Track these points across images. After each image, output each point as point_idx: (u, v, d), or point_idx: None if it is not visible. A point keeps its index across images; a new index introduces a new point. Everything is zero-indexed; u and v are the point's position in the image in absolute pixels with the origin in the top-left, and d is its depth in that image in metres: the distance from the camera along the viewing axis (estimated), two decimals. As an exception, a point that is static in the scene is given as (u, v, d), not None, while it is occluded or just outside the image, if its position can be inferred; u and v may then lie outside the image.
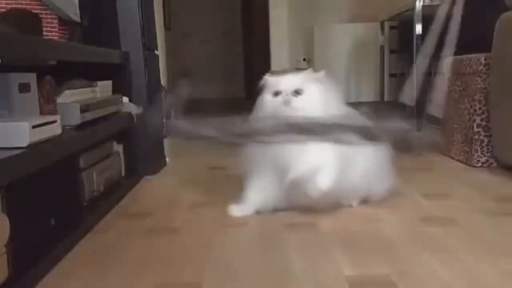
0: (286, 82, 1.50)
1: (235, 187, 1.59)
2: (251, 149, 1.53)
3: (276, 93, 1.49)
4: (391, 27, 4.23)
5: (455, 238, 1.31)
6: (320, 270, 1.14)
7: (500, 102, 2.01)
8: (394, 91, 4.42)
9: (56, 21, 1.69)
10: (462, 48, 2.42)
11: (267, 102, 1.50)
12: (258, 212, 1.55)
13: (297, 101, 1.46)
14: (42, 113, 1.34)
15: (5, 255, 1.02)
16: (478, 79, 2.10)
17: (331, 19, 4.52)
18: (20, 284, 1.04)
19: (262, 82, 1.55)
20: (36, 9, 1.64)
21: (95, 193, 1.66)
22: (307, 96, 1.48)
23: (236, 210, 1.56)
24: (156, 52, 2.36)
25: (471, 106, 2.14)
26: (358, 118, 1.57)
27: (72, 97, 1.55)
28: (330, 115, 1.45)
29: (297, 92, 1.47)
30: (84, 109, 1.52)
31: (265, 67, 4.44)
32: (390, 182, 1.62)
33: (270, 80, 1.54)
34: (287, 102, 1.46)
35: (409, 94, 1.25)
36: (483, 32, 2.11)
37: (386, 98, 4.39)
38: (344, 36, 4.39)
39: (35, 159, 1.16)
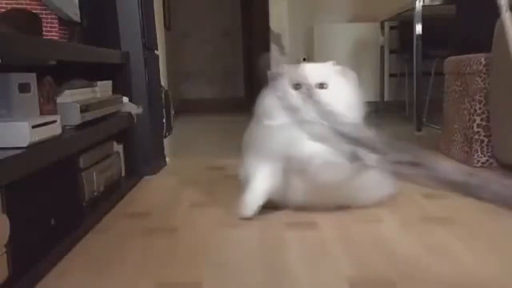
0: (309, 74, 1.40)
1: (234, 187, 1.59)
2: (258, 138, 1.46)
3: (297, 86, 1.39)
4: (391, 27, 4.24)
5: (455, 238, 1.31)
6: (320, 270, 1.14)
7: (500, 102, 2.01)
8: (394, 91, 4.42)
9: (56, 21, 1.70)
10: (462, 48, 2.42)
11: (288, 94, 1.39)
12: (258, 212, 1.55)
13: (322, 96, 1.37)
14: (42, 113, 1.34)
15: (5, 255, 1.02)
16: (478, 79, 2.10)
17: (331, 19, 4.52)
18: (20, 284, 1.04)
19: (279, 70, 1.44)
20: (36, 9, 1.64)
21: (95, 193, 1.66)
22: (332, 91, 1.39)
23: (247, 210, 1.46)
24: (156, 52, 2.36)
25: (471, 106, 2.14)
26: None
27: (72, 97, 1.55)
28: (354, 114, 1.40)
29: (321, 86, 1.38)
30: (84, 109, 1.52)
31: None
32: (389, 189, 1.61)
33: (290, 70, 1.43)
34: (311, 96, 1.37)
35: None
36: (483, 32, 2.11)
37: (386, 98, 4.40)
38: (344, 36, 4.39)
39: (35, 159, 1.16)
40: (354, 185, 1.46)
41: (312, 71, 1.41)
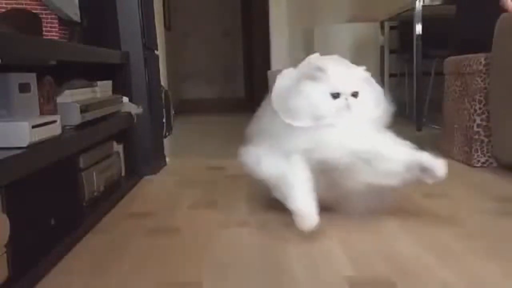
0: (347, 83, 1.33)
1: (235, 187, 1.59)
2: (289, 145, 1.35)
3: (336, 95, 1.31)
4: (391, 27, 4.24)
5: (455, 238, 1.31)
6: (320, 270, 1.14)
7: (500, 102, 2.01)
8: (394, 91, 4.42)
9: (56, 21, 1.70)
10: (462, 48, 2.42)
11: (326, 104, 1.31)
12: (258, 212, 1.55)
13: (356, 105, 1.31)
14: (42, 113, 1.34)
15: (5, 255, 1.02)
16: (478, 79, 2.10)
17: (331, 19, 4.52)
18: (20, 284, 1.04)
19: (316, 69, 1.34)
20: (36, 9, 1.64)
21: (95, 193, 1.66)
22: (362, 99, 1.33)
23: (309, 221, 1.28)
24: (156, 52, 2.36)
25: (471, 106, 2.14)
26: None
27: (72, 97, 1.55)
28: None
29: (354, 95, 1.32)
30: (84, 109, 1.52)
31: (265, 67, 4.43)
32: (391, 198, 1.58)
33: (330, 76, 1.33)
34: (348, 107, 1.31)
35: None
36: (483, 32, 2.11)
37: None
38: (344, 36, 4.39)
39: (35, 159, 1.16)
40: (371, 192, 1.39)
41: (349, 79, 1.34)
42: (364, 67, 1.41)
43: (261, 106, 1.55)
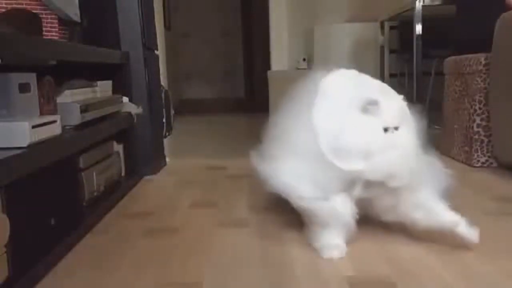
0: (395, 116, 1.25)
1: (235, 187, 1.59)
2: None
3: (385, 129, 1.23)
4: (391, 27, 4.24)
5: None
6: (320, 270, 1.14)
7: (500, 102, 2.01)
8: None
9: (56, 21, 1.69)
10: (462, 48, 2.42)
11: (379, 139, 1.22)
12: (258, 212, 1.55)
13: (400, 139, 1.24)
14: (42, 113, 1.34)
15: (5, 255, 1.02)
16: (478, 79, 2.11)
17: (331, 19, 4.52)
18: (20, 284, 1.04)
19: (368, 102, 1.23)
20: (36, 9, 1.64)
21: (95, 193, 1.66)
22: (403, 132, 1.26)
23: (333, 252, 1.24)
24: (156, 52, 2.36)
25: (471, 106, 2.14)
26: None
27: (72, 97, 1.55)
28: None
29: (397, 128, 1.24)
30: (84, 109, 1.52)
31: (265, 67, 4.44)
32: None
33: (385, 110, 1.23)
34: (394, 141, 1.23)
35: None
36: (483, 32, 2.11)
37: (386, 98, 4.38)
38: (344, 36, 4.39)
39: (35, 159, 1.16)
40: None
41: (396, 112, 1.27)
42: (402, 96, 1.33)
43: (281, 110, 1.47)
